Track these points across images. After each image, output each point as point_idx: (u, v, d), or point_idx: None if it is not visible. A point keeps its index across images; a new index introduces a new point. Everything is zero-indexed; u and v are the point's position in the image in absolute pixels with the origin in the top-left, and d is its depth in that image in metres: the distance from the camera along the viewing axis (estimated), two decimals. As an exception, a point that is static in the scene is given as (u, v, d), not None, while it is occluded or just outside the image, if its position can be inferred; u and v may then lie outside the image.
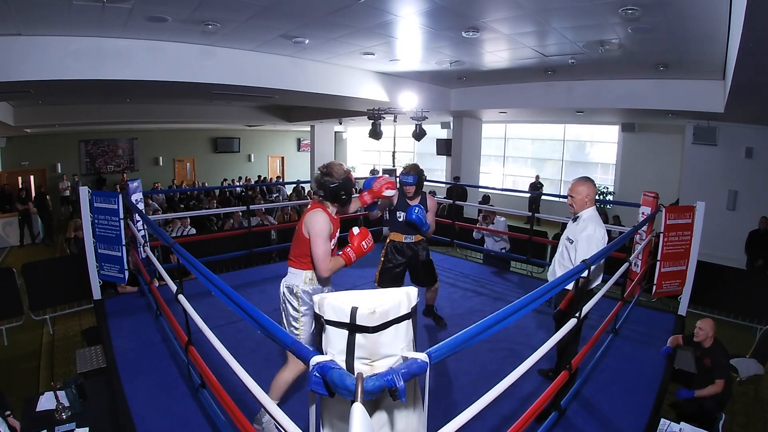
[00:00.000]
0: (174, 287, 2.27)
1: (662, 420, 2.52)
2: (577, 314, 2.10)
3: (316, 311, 1.11)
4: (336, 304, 1.07)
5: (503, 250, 5.83)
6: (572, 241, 2.64)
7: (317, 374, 0.96)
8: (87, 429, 2.46)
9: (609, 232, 7.03)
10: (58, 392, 2.60)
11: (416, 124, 8.22)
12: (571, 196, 2.73)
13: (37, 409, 2.64)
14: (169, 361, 3.10)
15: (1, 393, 2.91)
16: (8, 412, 2.75)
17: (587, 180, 2.73)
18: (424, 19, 4.54)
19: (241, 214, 7.84)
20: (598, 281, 2.59)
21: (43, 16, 4.15)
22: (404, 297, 1.10)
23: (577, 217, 2.73)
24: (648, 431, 2.48)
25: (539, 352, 1.86)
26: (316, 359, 1.00)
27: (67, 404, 2.57)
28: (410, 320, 1.11)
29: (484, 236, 6.02)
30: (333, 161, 2.42)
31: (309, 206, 2.32)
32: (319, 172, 2.33)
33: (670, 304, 4.68)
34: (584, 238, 2.56)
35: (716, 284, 5.21)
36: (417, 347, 1.16)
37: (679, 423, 2.51)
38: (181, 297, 2.19)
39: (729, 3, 3.32)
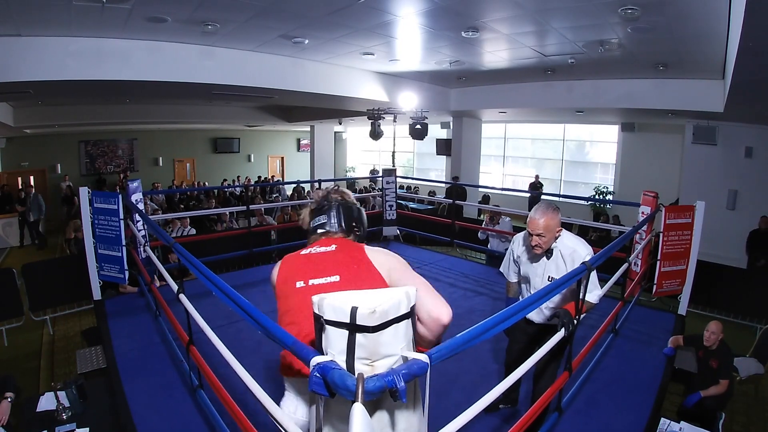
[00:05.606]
0: (175, 287, 2.27)
1: (662, 420, 2.53)
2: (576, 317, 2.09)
3: (316, 311, 1.11)
4: (336, 303, 1.06)
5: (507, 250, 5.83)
6: None
7: (318, 374, 0.96)
8: (87, 429, 2.46)
9: (608, 231, 6.95)
10: (58, 393, 2.61)
11: (417, 124, 8.21)
12: (539, 235, 2.14)
13: (37, 410, 2.64)
14: (170, 361, 3.10)
15: (8, 376, 2.91)
16: (9, 394, 2.72)
17: (554, 209, 2.17)
18: (424, 19, 4.54)
19: (229, 215, 7.93)
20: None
21: (43, 16, 4.15)
22: (403, 296, 1.10)
23: (549, 250, 2.23)
24: (648, 431, 2.48)
25: (540, 352, 1.86)
26: (317, 359, 1.00)
27: (67, 405, 2.57)
28: (409, 320, 1.11)
29: (489, 236, 6.01)
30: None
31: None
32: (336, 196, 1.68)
33: (670, 303, 4.68)
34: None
35: (716, 284, 5.21)
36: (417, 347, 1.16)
37: (679, 422, 2.51)
38: (182, 296, 2.20)
39: (728, 2, 3.32)
